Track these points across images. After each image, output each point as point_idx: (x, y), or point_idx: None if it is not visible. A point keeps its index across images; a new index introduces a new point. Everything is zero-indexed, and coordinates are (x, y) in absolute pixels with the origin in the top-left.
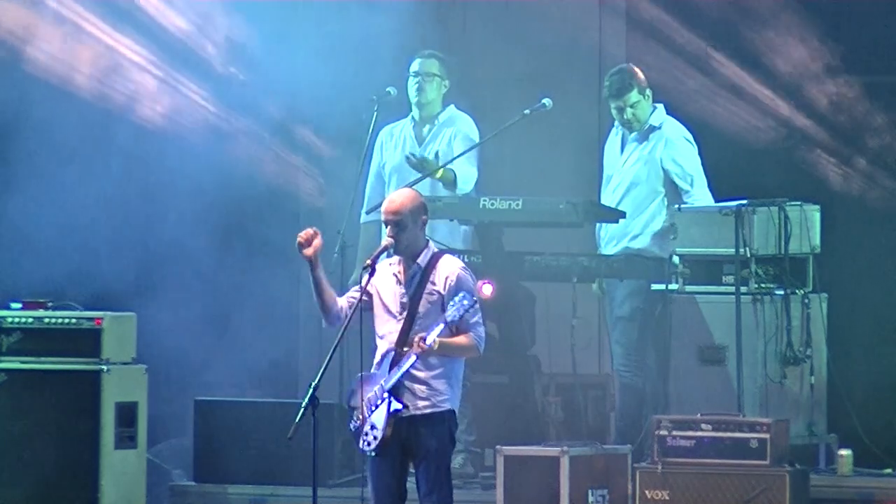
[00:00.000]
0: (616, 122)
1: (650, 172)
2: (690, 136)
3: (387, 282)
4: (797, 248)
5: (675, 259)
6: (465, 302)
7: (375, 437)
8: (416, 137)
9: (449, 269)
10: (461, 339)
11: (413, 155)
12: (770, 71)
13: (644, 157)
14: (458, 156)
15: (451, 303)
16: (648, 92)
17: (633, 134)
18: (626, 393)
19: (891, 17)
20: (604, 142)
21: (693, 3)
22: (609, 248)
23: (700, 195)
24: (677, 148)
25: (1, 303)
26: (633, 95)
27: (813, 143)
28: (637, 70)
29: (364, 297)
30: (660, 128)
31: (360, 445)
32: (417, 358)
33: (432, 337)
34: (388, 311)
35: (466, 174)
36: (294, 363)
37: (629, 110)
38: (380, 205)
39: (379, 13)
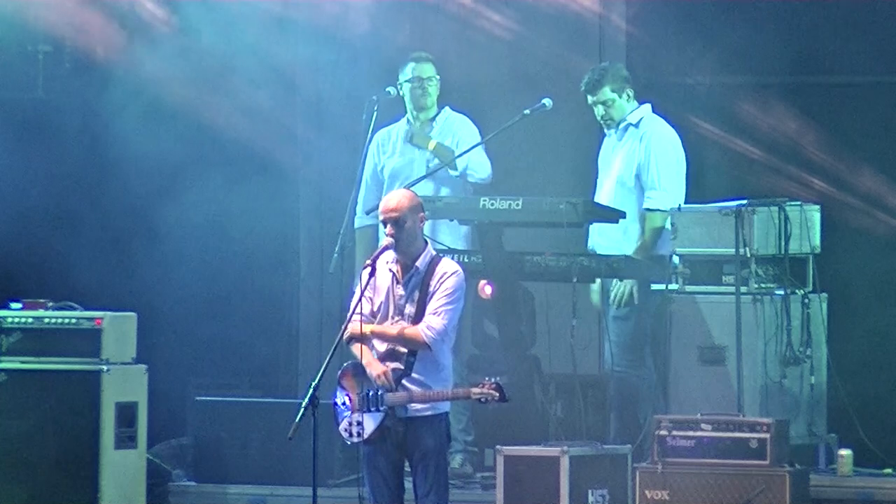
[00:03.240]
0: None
1: (627, 169)
2: (674, 137)
3: (383, 279)
4: (797, 248)
5: (675, 259)
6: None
7: (359, 434)
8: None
9: (443, 271)
10: (393, 329)
11: (409, 125)
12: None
13: (624, 156)
14: (463, 153)
15: None
16: (629, 91)
17: (617, 132)
18: (623, 389)
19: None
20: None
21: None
22: (605, 251)
23: (657, 199)
24: (651, 146)
25: (1, 303)
26: (605, 92)
27: (812, 143)
28: (616, 68)
29: (367, 297)
30: (637, 126)
31: (339, 428)
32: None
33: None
34: (385, 311)
35: (480, 162)
36: (294, 363)
37: (601, 107)
38: (378, 206)
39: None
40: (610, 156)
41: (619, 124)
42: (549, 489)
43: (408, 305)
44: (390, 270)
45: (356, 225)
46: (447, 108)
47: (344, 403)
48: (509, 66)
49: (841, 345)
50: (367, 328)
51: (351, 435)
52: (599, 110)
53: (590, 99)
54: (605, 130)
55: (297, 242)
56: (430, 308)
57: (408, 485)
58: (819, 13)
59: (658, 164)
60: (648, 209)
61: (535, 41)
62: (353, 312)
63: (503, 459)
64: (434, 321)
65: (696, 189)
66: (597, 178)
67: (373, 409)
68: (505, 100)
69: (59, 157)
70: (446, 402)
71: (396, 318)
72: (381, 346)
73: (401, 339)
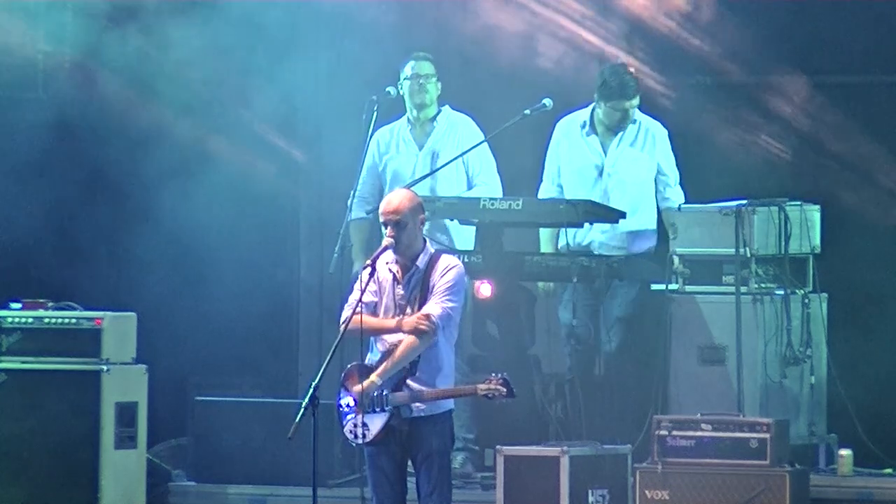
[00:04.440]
0: (586, 120)
1: (647, 170)
2: (665, 132)
3: (384, 280)
4: (797, 248)
5: (675, 259)
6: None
7: (364, 436)
8: (414, 140)
9: (443, 266)
10: (400, 350)
11: (410, 124)
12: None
13: (638, 154)
14: (463, 153)
15: None
16: None
17: (625, 133)
18: (616, 392)
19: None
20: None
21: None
22: (609, 251)
23: (677, 193)
24: (664, 144)
25: (1, 303)
26: (637, 97)
27: (813, 143)
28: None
29: (368, 298)
30: (644, 124)
31: (344, 430)
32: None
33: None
34: (386, 312)
35: (495, 191)
36: (294, 363)
37: (633, 111)
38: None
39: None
40: (600, 154)
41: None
42: (549, 489)
43: (409, 305)
44: (390, 271)
45: (352, 216)
46: (447, 106)
47: (348, 405)
48: (509, 65)
49: (841, 345)
50: (372, 321)
51: (356, 436)
52: (630, 114)
53: (617, 104)
54: (606, 132)
55: (297, 242)
56: (429, 301)
57: (410, 485)
58: (821, 9)
59: (670, 163)
60: (670, 207)
61: (535, 40)
62: (353, 313)
63: (503, 459)
64: (431, 308)
65: (697, 189)
66: (542, 173)
67: (377, 409)
68: (505, 100)
69: (59, 157)
70: (450, 400)
71: (399, 318)
72: (384, 346)
73: (406, 349)
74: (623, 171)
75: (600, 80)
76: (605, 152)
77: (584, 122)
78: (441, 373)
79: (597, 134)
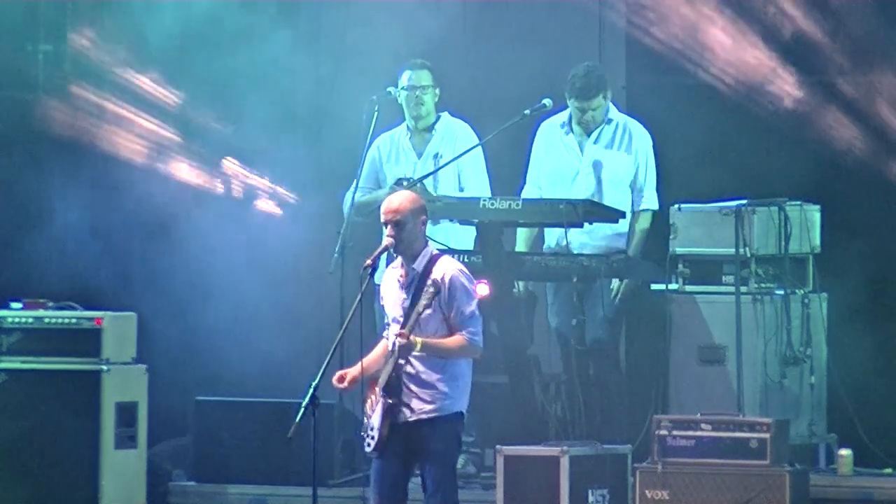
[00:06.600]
0: (565, 121)
1: (625, 170)
2: (649, 136)
3: (391, 288)
4: (797, 248)
5: (676, 259)
6: (432, 289)
7: (374, 438)
8: (413, 148)
9: (443, 271)
10: (449, 340)
11: (409, 132)
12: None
13: (615, 154)
14: (458, 156)
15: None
16: (610, 92)
17: (598, 133)
18: (615, 392)
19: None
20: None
21: None
22: (597, 250)
23: (651, 199)
24: (644, 148)
25: (1, 303)
26: (599, 100)
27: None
28: (602, 69)
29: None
30: (623, 124)
31: (364, 448)
32: (401, 351)
33: (409, 329)
34: (394, 318)
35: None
36: (294, 363)
37: (591, 112)
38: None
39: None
40: (577, 154)
41: (600, 125)
42: (549, 489)
43: (408, 306)
44: (397, 279)
45: (354, 200)
46: (446, 113)
47: (363, 424)
48: (509, 65)
49: (841, 345)
50: (409, 330)
51: (370, 446)
52: (588, 115)
53: (578, 104)
54: (584, 132)
55: (297, 243)
56: (457, 317)
57: (413, 484)
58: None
59: (648, 165)
60: (644, 210)
61: (536, 39)
62: (351, 319)
63: (503, 459)
64: (474, 329)
65: (696, 188)
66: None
67: (377, 405)
68: (505, 100)
69: (60, 157)
70: (457, 402)
71: (401, 321)
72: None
73: (450, 349)
74: (599, 170)
75: (568, 79)
76: (581, 152)
77: (564, 122)
78: (447, 374)
79: (574, 133)
